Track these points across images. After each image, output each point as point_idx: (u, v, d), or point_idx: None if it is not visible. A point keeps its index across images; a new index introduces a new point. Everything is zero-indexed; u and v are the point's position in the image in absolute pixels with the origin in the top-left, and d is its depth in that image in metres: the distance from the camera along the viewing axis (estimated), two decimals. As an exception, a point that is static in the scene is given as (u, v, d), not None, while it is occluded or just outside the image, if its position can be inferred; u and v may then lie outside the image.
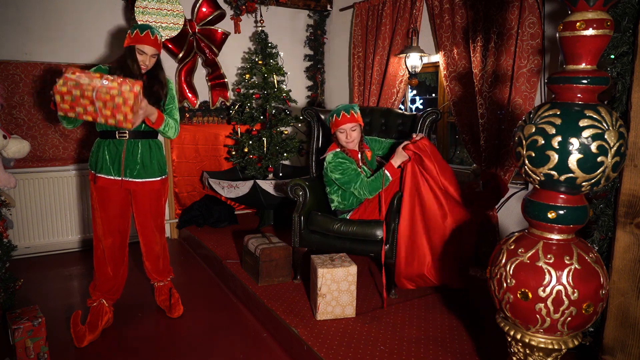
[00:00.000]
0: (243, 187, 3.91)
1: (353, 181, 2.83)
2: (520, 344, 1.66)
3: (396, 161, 2.79)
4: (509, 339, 1.71)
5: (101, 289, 2.67)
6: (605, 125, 1.42)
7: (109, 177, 2.54)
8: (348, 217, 2.97)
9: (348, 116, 2.85)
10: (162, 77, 2.60)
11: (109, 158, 2.53)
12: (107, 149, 2.53)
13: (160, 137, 2.69)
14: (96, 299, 2.67)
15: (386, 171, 2.80)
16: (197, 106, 4.41)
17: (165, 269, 2.90)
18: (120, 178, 2.55)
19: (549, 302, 1.51)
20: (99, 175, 2.54)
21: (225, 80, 4.44)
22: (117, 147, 2.54)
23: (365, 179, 2.84)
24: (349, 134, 2.87)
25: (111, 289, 2.70)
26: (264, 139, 4.18)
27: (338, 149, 2.94)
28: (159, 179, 2.66)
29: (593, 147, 1.42)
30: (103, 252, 2.63)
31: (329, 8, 4.90)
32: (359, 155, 2.97)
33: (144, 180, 2.60)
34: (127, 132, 2.51)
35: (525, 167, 1.55)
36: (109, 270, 2.66)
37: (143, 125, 2.53)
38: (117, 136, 2.52)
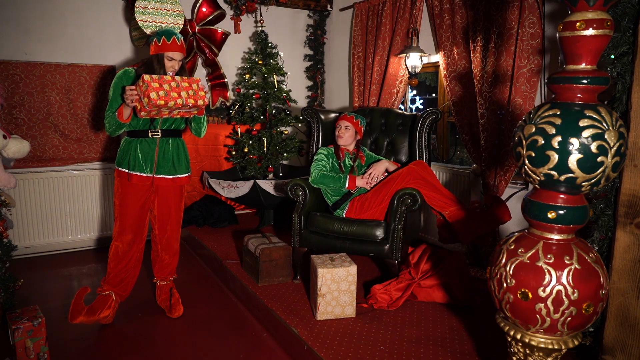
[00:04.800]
0: (243, 187, 3.91)
1: (315, 165, 3.10)
2: (520, 344, 1.66)
3: (359, 182, 3.02)
4: (509, 339, 1.71)
5: (112, 282, 2.72)
6: (605, 125, 1.42)
7: (142, 174, 2.63)
8: (344, 215, 2.99)
9: (348, 117, 3.15)
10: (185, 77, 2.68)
11: (142, 156, 2.61)
12: (140, 147, 2.62)
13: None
14: (106, 290, 2.72)
15: (347, 179, 3.00)
16: (197, 106, 4.41)
17: (174, 267, 2.95)
18: (152, 175, 2.65)
19: (549, 302, 1.51)
20: (133, 173, 2.61)
21: (225, 80, 4.44)
22: (150, 145, 2.63)
23: (326, 171, 3.07)
24: (342, 130, 3.14)
25: (121, 283, 2.74)
26: (264, 139, 4.18)
27: (331, 146, 3.21)
28: (186, 175, 2.78)
29: (593, 147, 1.42)
30: (119, 249, 2.68)
31: (329, 8, 4.90)
32: (346, 154, 3.15)
33: (174, 176, 2.72)
34: (160, 131, 2.64)
35: (525, 167, 1.55)
36: (122, 267, 2.70)
37: (173, 124, 2.68)
38: (150, 135, 2.62)
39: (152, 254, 2.92)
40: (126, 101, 2.41)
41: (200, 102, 2.49)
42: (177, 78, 2.46)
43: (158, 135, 2.63)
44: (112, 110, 2.53)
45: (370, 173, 3.05)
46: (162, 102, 2.34)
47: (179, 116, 2.57)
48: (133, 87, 2.40)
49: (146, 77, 2.34)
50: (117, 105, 2.53)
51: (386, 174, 3.09)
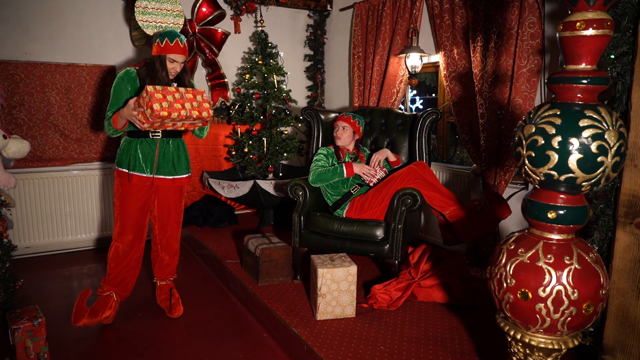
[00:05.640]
0: (243, 187, 3.91)
1: (314, 165, 3.11)
2: (520, 344, 1.66)
3: (356, 168, 3.02)
4: (509, 339, 1.71)
5: (112, 282, 2.71)
6: (605, 125, 1.42)
7: (143, 174, 2.62)
8: (344, 215, 2.99)
9: (345, 117, 3.17)
10: (187, 80, 2.69)
11: (142, 157, 2.60)
12: (140, 147, 2.61)
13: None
14: (107, 291, 2.71)
15: (344, 166, 3.01)
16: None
17: (174, 267, 2.95)
18: (152, 176, 2.64)
19: (549, 302, 1.51)
20: (133, 173, 2.60)
21: (225, 80, 4.44)
22: (151, 146, 2.62)
23: (322, 168, 3.07)
24: (340, 130, 3.16)
25: (121, 283, 2.74)
26: (264, 139, 4.18)
27: (331, 146, 3.23)
28: (186, 175, 2.78)
29: (593, 147, 1.42)
30: (119, 249, 2.67)
31: (329, 8, 4.90)
32: (346, 154, 3.17)
33: (174, 177, 2.71)
34: (160, 131, 2.62)
35: (525, 167, 1.55)
36: (122, 267, 2.69)
37: None
38: (150, 136, 2.61)
39: (152, 254, 2.92)
40: (129, 117, 2.40)
41: (204, 113, 2.46)
42: (182, 89, 2.44)
43: (159, 136, 2.63)
44: (113, 112, 2.52)
45: (372, 160, 3.09)
46: (166, 114, 2.31)
47: (183, 128, 2.55)
48: (136, 112, 2.37)
49: (149, 88, 2.32)
50: (117, 107, 2.52)
51: (387, 172, 3.10)
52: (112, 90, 2.56)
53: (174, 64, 2.55)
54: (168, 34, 2.53)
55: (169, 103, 2.34)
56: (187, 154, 2.80)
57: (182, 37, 2.57)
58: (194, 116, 2.43)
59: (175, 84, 2.59)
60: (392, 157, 3.13)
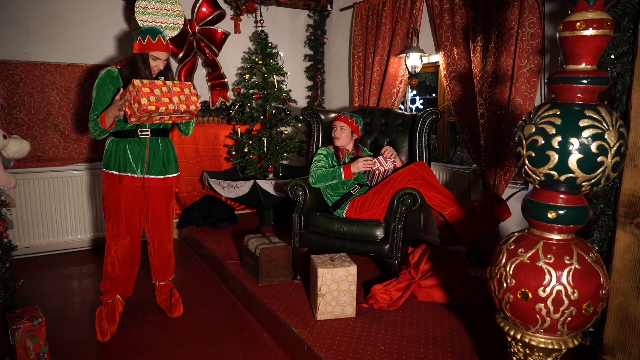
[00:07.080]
0: (243, 187, 3.92)
1: (314, 166, 3.11)
2: (520, 344, 1.66)
3: (354, 167, 2.97)
4: (509, 339, 1.71)
5: (116, 289, 2.68)
6: (605, 125, 1.42)
7: (134, 175, 2.57)
8: (344, 215, 2.99)
9: (343, 117, 3.16)
10: (171, 77, 2.65)
11: (132, 156, 2.55)
12: (130, 148, 2.55)
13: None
14: (111, 297, 2.69)
15: (342, 170, 2.97)
16: (197, 106, 4.40)
17: (172, 268, 2.92)
18: (142, 176, 2.59)
19: (549, 302, 1.51)
20: (124, 174, 2.55)
21: (225, 80, 4.44)
22: (140, 145, 2.57)
23: (321, 170, 3.06)
24: (338, 131, 3.15)
25: (126, 288, 2.73)
26: (264, 139, 4.18)
27: (331, 146, 3.23)
28: (175, 175, 2.73)
29: (593, 147, 1.42)
30: (118, 253, 2.62)
31: (329, 8, 4.90)
32: (345, 154, 3.17)
33: (164, 176, 2.67)
34: (149, 130, 2.58)
35: (525, 167, 1.55)
36: (125, 270, 2.66)
37: (161, 123, 2.60)
38: (138, 135, 2.55)
39: (149, 257, 2.89)
40: (116, 110, 2.35)
41: (192, 107, 2.42)
42: (169, 83, 2.40)
43: (147, 135, 2.57)
44: (97, 114, 2.46)
45: (387, 149, 2.99)
46: (153, 108, 2.28)
47: (170, 122, 2.52)
48: (121, 101, 2.33)
49: (136, 82, 2.28)
50: (101, 108, 2.46)
51: (388, 173, 3.09)
52: (95, 91, 2.48)
53: (157, 61, 2.50)
54: (150, 30, 2.48)
55: (156, 97, 2.30)
56: (175, 153, 2.75)
57: (164, 33, 2.52)
58: (182, 110, 2.39)
59: (162, 77, 2.54)
60: (398, 163, 3.10)
